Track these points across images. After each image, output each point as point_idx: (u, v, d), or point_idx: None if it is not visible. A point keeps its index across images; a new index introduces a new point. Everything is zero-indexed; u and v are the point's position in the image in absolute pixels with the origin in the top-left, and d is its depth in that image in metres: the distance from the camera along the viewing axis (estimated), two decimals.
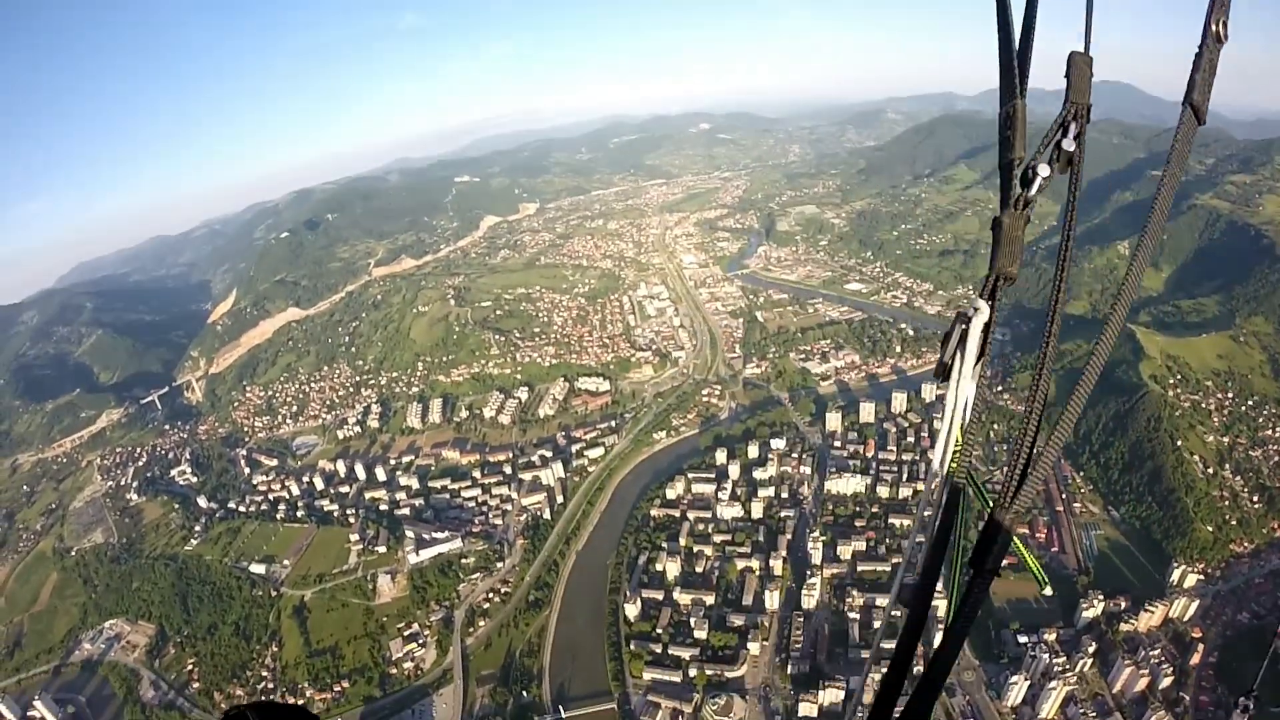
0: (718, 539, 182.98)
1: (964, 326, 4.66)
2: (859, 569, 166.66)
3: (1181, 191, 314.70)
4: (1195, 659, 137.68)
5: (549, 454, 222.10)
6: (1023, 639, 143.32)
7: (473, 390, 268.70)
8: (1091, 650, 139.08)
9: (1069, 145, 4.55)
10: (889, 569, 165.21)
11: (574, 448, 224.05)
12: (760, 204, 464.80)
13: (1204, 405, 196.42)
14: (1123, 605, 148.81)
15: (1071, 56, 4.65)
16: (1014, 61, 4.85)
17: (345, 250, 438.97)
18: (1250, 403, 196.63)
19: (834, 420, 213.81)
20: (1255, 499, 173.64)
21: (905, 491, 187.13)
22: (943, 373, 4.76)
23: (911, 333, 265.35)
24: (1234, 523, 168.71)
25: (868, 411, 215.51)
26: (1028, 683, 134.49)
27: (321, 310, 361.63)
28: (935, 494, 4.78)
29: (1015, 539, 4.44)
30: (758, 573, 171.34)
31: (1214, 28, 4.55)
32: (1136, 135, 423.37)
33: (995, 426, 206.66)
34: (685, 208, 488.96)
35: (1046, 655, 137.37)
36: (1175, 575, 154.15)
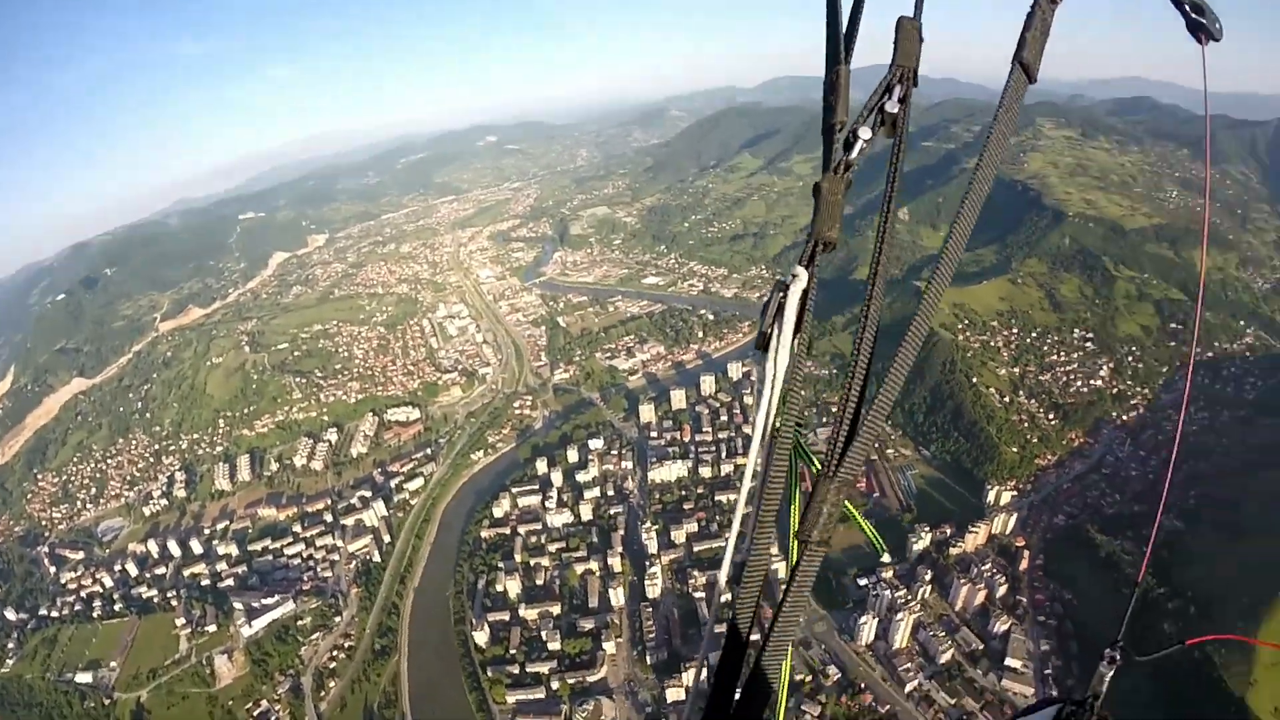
0: (553, 548, 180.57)
1: (782, 295, 4.47)
2: (695, 549, 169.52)
3: (949, 158, 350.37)
4: (1024, 565, 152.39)
5: (369, 494, 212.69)
6: (863, 581, 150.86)
7: (280, 440, 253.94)
8: (928, 578, 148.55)
9: (893, 108, 4.51)
10: (724, 544, 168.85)
11: (393, 483, 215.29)
12: (552, 211, 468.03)
13: (992, 344, 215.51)
14: (948, 532, 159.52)
15: (899, 21, 4.60)
16: (840, 28, 4.80)
17: (128, 306, 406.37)
18: (1034, 335, 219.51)
19: (647, 412, 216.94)
20: (1051, 416, 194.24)
21: (726, 468, 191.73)
22: (763, 343, 4.51)
23: (711, 317, 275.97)
24: (1035, 440, 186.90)
25: (679, 398, 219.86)
26: (876, 620, 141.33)
27: (109, 377, 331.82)
28: (758, 464, 4.56)
29: (848, 506, 4.27)
30: (598, 573, 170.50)
31: None
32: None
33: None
34: (477, 222, 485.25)
35: (888, 591, 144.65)
36: (991, 496, 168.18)
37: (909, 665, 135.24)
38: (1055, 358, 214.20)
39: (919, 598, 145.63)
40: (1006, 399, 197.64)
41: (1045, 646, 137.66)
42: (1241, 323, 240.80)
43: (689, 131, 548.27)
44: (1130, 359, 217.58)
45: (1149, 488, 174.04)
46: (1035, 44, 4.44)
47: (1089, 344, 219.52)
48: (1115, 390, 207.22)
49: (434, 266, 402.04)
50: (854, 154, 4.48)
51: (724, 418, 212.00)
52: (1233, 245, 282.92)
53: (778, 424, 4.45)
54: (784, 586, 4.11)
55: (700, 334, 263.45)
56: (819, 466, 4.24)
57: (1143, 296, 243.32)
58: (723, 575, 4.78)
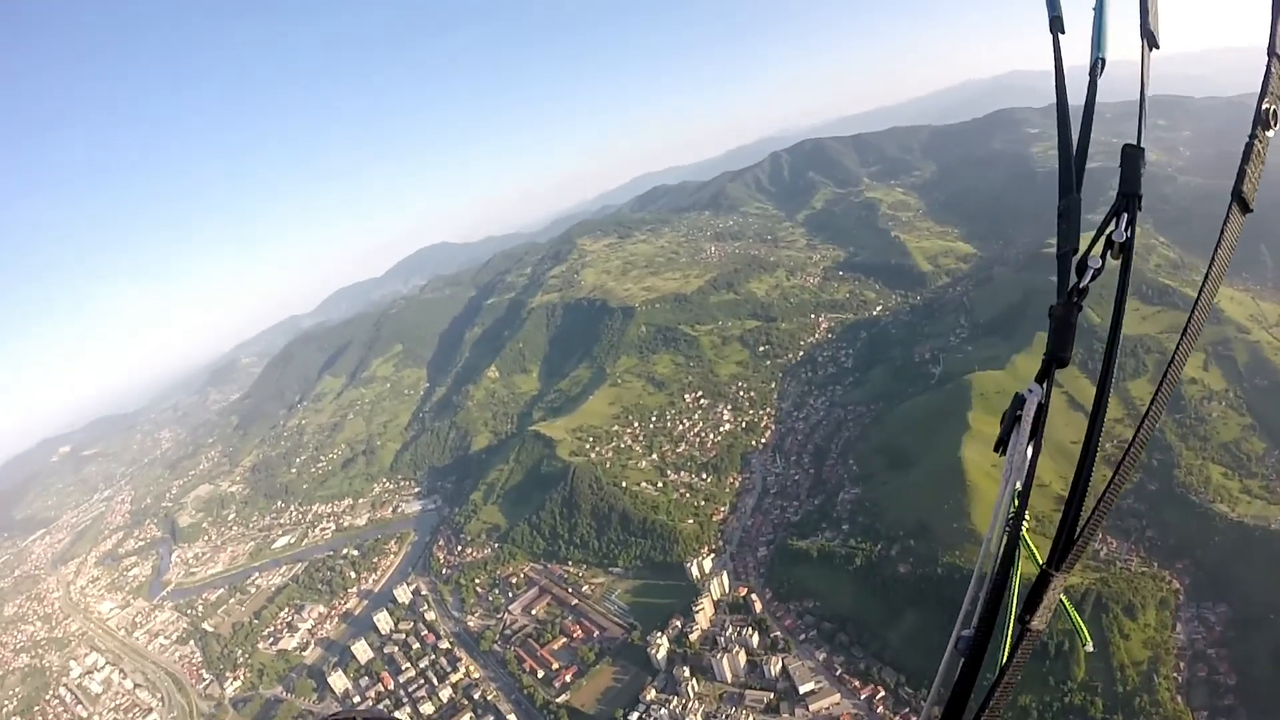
0: None
1: (1020, 408, 5.28)
2: None
3: (515, 305, 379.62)
4: (758, 606, 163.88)
5: None
6: (633, 717, 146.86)
7: None
8: (688, 674, 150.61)
9: (1119, 236, 5.08)
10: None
11: None
12: (153, 509, 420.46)
13: (624, 445, 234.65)
14: (679, 624, 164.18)
15: (1124, 150, 5.13)
16: (1071, 160, 5.61)
17: None
18: (654, 419, 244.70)
19: (338, 680, 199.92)
20: (704, 476, 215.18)
21: (445, 693, 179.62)
22: (1000, 446, 5.34)
23: (356, 553, 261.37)
24: (703, 502, 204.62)
25: (363, 650, 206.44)
26: None
27: None
28: (992, 551, 5.21)
29: (1063, 599, 4.77)
30: None
31: (1265, 108, 4.93)
32: (462, 280, 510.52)
33: None
34: (79, 551, 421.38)
35: (663, 710, 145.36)
36: (695, 570, 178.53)
37: None
38: (681, 426, 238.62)
39: (688, 694, 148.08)
40: (659, 484, 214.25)
41: (821, 655, 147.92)
42: (812, 316, 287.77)
43: (265, 375, 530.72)
44: (741, 393, 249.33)
45: (814, 481, 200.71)
46: (1254, 176, 4.78)
47: (703, 400, 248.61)
48: (743, 424, 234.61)
49: (49, 620, 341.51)
50: (1085, 281, 5.08)
51: (416, 645, 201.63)
52: (777, 264, 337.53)
53: (1011, 516, 5.10)
54: (1001, 666, 4.49)
55: (353, 574, 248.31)
56: (1041, 560, 4.74)
57: (726, 341, 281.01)
58: (951, 645, 5.15)
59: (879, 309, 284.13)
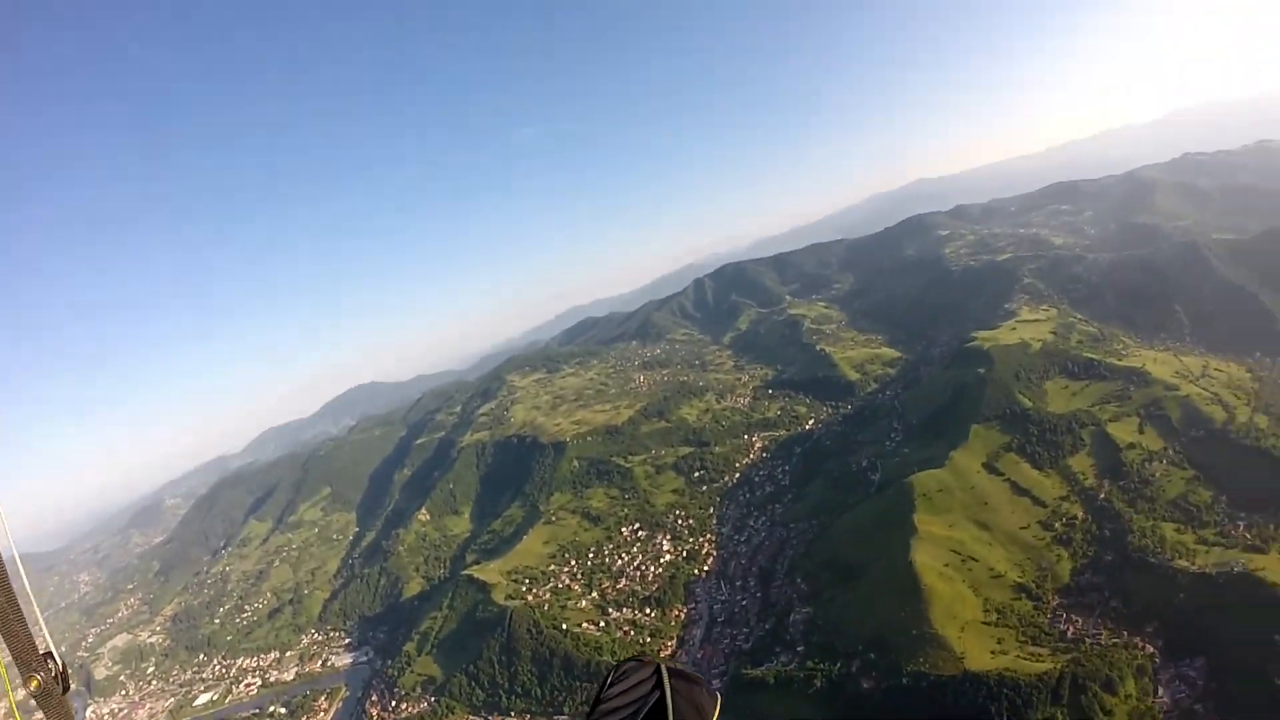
0: None
1: None
2: None
3: (444, 444, 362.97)
4: None
5: None
6: None
7: None
8: None
9: None
10: None
11: None
12: (68, 658, 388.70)
13: (562, 585, 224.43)
14: None
15: None
16: None
17: None
18: (591, 555, 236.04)
19: None
20: (648, 611, 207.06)
21: None
22: None
23: (284, 711, 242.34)
24: (648, 639, 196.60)
25: None
26: None
27: None
28: None
29: None
30: None
31: None
32: (392, 420, 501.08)
33: None
34: None
35: None
36: None
37: None
38: (620, 561, 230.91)
39: None
40: (601, 623, 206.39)
41: None
42: (745, 437, 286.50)
43: (189, 518, 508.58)
44: (679, 521, 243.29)
45: (763, 604, 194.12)
46: None
47: (640, 532, 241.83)
48: (684, 552, 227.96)
49: None
50: None
51: None
52: (706, 388, 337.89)
53: None
54: None
55: None
56: None
57: (660, 469, 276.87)
58: None
59: (811, 422, 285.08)
